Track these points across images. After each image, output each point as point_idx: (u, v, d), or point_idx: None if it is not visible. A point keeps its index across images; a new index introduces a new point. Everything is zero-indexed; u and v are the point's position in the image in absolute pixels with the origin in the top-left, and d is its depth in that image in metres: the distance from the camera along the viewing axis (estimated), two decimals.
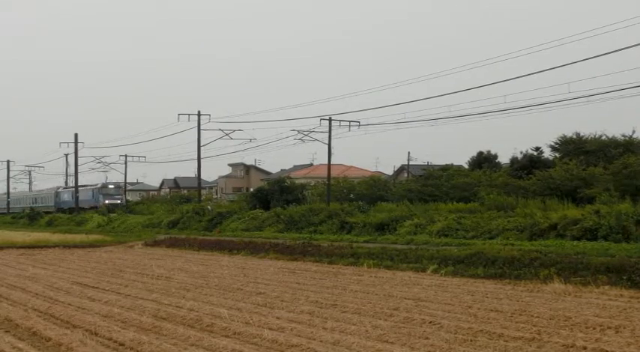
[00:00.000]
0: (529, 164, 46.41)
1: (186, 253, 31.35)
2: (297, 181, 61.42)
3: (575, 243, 24.28)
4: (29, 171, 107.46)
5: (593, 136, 46.10)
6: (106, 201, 76.67)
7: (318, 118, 57.78)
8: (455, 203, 38.52)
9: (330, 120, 57.90)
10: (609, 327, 11.42)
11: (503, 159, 55.80)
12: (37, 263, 27.11)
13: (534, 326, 11.64)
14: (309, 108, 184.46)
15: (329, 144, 58.03)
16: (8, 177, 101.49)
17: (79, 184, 78.54)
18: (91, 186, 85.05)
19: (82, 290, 17.83)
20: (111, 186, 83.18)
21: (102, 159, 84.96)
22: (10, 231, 55.28)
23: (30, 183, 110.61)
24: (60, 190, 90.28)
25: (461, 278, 18.79)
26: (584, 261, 18.64)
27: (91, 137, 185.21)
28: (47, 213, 78.79)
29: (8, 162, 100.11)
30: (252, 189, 66.53)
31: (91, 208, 77.34)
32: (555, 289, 15.89)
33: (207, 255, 30.18)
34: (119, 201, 78.55)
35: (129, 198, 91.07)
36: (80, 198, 77.86)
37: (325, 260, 24.58)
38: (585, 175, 36.03)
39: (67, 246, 37.22)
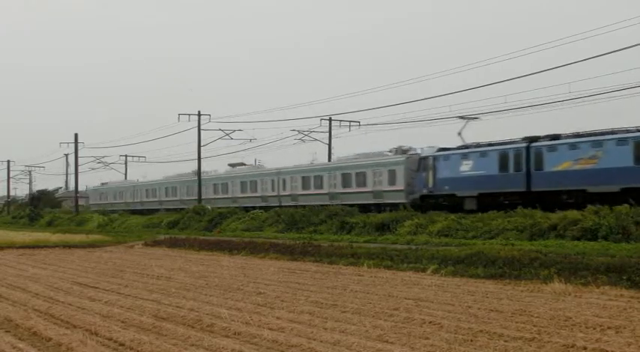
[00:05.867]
0: None
1: (186, 253, 31.34)
2: None
3: (575, 243, 24.31)
4: (29, 171, 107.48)
5: None
6: None
7: (318, 118, 57.88)
8: None
9: (330, 120, 58.05)
10: (609, 327, 11.41)
11: None
12: (37, 263, 27.10)
13: (534, 326, 11.63)
14: (309, 109, 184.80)
15: (329, 144, 58.16)
16: (8, 177, 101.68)
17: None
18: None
19: (82, 291, 17.83)
20: None
21: (102, 159, 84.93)
22: (10, 231, 55.28)
23: (30, 183, 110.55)
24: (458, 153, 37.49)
25: (461, 278, 18.78)
26: (584, 261, 18.65)
27: (91, 137, 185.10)
28: (390, 206, 40.20)
29: (8, 162, 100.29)
30: None
31: None
32: (555, 289, 15.87)
33: (207, 255, 30.17)
34: None
35: None
36: None
37: (325, 260, 24.58)
38: None
39: (67, 246, 37.20)
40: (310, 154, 57.91)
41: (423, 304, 14.29)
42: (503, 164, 34.50)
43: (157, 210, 64.56)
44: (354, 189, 44.64)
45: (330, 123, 58.17)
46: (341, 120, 57.69)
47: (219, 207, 52.48)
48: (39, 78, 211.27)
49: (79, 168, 77.03)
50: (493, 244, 24.64)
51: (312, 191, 48.61)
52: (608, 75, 77.45)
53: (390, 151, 44.16)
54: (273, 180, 52.54)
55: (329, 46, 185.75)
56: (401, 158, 42.04)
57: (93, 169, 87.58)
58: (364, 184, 43.82)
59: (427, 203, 38.01)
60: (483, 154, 35.79)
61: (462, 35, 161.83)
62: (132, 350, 10.58)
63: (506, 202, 33.29)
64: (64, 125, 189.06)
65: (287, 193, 51.03)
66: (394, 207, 38.90)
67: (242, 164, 60.88)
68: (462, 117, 40.43)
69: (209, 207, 52.92)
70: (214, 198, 58.72)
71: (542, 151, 32.92)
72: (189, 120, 58.99)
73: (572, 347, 10.00)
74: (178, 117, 58.95)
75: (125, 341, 11.02)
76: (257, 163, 61.96)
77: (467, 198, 36.03)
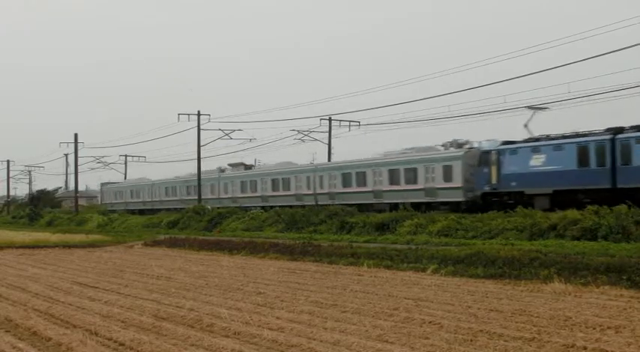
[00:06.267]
0: None
1: (186, 253, 31.34)
2: None
3: (575, 242, 24.30)
4: (29, 171, 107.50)
5: None
6: None
7: (318, 118, 57.88)
8: None
9: (330, 120, 58.04)
10: (609, 327, 11.42)
11: None
12: (37, 263, 27.10)
13: (534, 326, 11.64)
14: (308, 109, 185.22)
15: (329, 144, 58.18)
16: (8, 177, 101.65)
17: None
18: None
19: (82, 290, 17.83)
20: None
21: (102, 159, 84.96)
22: (10, 231, 55.26)
23: (30, 183, 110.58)
24: None
25: (461, 278, 18.78)
26: (584, 261, 18.65)
27: (91, 137, 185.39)
28: (444, 205, 38.19)
29: (8, 162, 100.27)
30: None
31: None
32: (555, 289, 15.88)
33: (207, 255, 30.17)
34: None
35: None
36: None
37: (325, 260, 24.57)
38: None
39: (67, 246, 37.22)
40: (310, 154, 57.56)
41: (423, 304, 14.29)
42: (582, 158, 31.12)
43: (178, 209, 59.21)
44: (402, 186, 40.80)
45: (329, 123, 58.18)
46: (341, 120, 57.70)
47: (249, 207, 50.56)
48: (39, 78, 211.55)
49: (79, 168, 77.13)
50: (493, 244, 24.63)
51: (353, 188, 44.71)
52: (608, 75, 77.44)
53: (442, 145, 40.76)
54: (308, 178, 48.62)
55: (329, 46, 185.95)
56: (458, 152, 38.32)
57: (92, 169, 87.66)
58: (414, 181, 40.03)
59: (489, 201, 34.97)
60: (558, 147, 32.31)
61: (462, 35, 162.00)
62: (132, 350, 10.58)
63: (587, 200, 29.85)
64: (64, 125, 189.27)
65: (324, 191, 47.08)
66: (450, 205, 35.85)
67: (242, 164, 60.77)
68: (529, 107, 36.85)
69: (209, 207, 52.83)
70: (241, 197, 54.98)
71: (630, 144, 29.46)
72: (189, 120, 58.96)
73: (572, 347, 10.00)
74: (178, 117, 58.89)
75: (125, 341, 11.03)
76: (257, 163, 61.74)
77: (538, 196, 32.79)
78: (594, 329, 11.36)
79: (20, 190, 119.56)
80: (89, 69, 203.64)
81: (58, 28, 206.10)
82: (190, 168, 67.95)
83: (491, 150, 35.53)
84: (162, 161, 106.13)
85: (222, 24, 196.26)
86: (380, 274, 20.23)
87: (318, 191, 47.62)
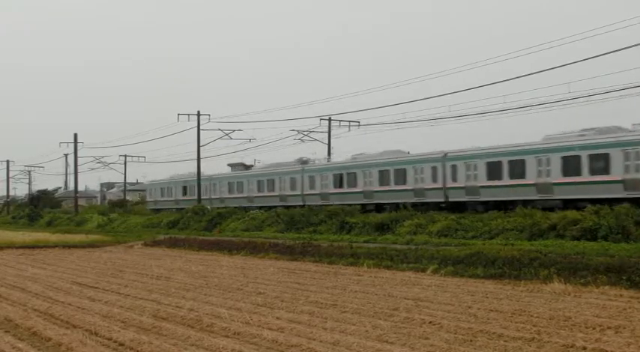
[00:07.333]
0: None
1: (186, 253, 31.34)
2: None
3: (574, 243, 24.31)
4: (29, 171, 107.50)
5: None
6: None
7: (318, 118, 57.86)
8: None
9: (329, 120, 58.03)
10: (609, 327, 11.42)
11: None
12: (36, 263, 27.11)
13: (534, 326, 11.64)
14: (308, 109, 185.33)
15: (329, 144, 58.15)
16: (8, 177, 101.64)
17: None
18: None
19: (82, 291, 17.83)
20: None
21: (101, 159, 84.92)
22: (10, 231, 55.26)
23: (30, 183, 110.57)
24: None
25: (461, 278, 18.78)
26: (583, 261, 18.66)
27: (90, 137, 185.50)
28: None
29: (8, 162, 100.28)
30: None
31: None
32: (555, 289, 15.89)
33: (207, 255, 30.17)
34: None
35: (128, 198, 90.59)
36: None
37: (325, 260, 24.58)
38: None
39: (66, 246, 37.25)
40: (311, 154, 57.27)
41: (423, 304, 14.29)
42: None
43: (247, 209, 50.45)
44: (584, 177, 31.58)
45: (329, 123, 58.18)
46: (341, 120, 57.69)
47: (342, 204, 41.97)
48: (39, 78, 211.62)
49: (79, 168, 77.12)
50: (493, 244, 24.64)
51: (504, 181, 35.15)
52: (608, 75, 77.44)
53: None
54: (434, 168, 38.94)
55: (329, 46, 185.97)
56: None
57: (92, 169, 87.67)
58: (605, 171, 30.64)
59: None
60: None
61: (462, 35, 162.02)
62: (132, 350, 10.58)
63: None
64: (64, 125, 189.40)
65: (460, 185, 37.39)
66: None
67: (242, 164, 60.72)
68: None
69: (208, 207, 52.76)
70: (333, 193, 45.71)
71: None
72: (188, 120, 58.88)
73: (571, 347, 10.00)
74: (178, 117, 58.76)
75: (125, 341, 11.02)
76: (256, 163, 61.64)
77: None
78: (594, 329, 11.36)
79: (20, 190, 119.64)
80: (89, 69, 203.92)
81: (58, 28, 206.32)
82: (191, 168, 66.84)
83: None
84: (163, 161, 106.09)
85: (222, 24, 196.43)
86: (380, 274, 20.23)
87: (449, 184, 38.25)
